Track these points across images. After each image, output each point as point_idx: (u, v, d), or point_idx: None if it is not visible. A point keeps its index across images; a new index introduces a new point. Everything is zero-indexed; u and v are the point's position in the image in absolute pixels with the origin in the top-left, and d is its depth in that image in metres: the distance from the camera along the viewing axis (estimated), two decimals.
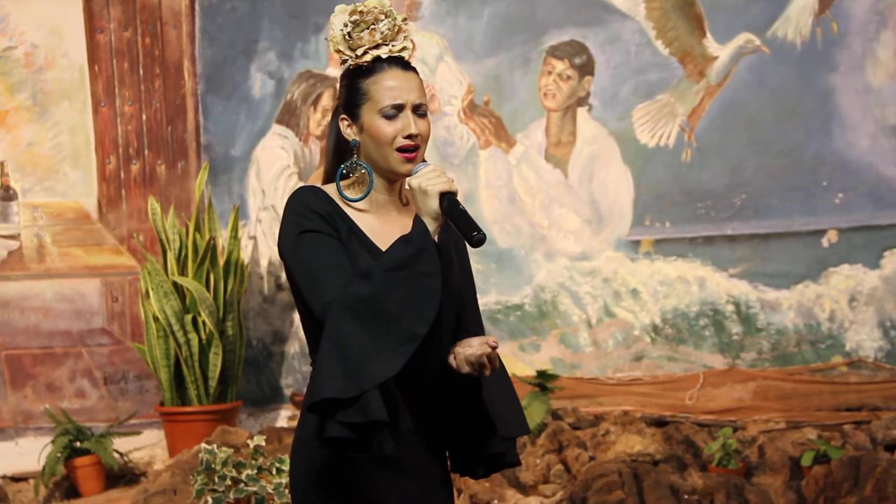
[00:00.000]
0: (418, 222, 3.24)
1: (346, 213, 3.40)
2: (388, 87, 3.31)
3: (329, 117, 7.92)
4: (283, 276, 8.77)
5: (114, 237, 8.82)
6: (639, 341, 8.13)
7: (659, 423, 7.28)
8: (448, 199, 3.18)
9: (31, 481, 8.05)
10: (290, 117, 8.84)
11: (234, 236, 8.45)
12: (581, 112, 8.28)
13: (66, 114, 8.75)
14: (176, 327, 8.08)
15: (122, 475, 8.10)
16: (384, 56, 3.34)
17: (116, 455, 8.00)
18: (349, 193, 3.42)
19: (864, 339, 7.62)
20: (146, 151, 8.91)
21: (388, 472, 3.29)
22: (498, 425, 3.27)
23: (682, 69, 7.98)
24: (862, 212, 7.63)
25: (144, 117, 8.89)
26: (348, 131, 3.39)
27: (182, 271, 8.22)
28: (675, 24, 8.01)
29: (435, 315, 3.19)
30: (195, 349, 8.15)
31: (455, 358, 3.21)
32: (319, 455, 3.26)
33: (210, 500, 6.50)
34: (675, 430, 7.09)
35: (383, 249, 3.37)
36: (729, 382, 7.64)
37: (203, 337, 8.17)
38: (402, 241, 3.25)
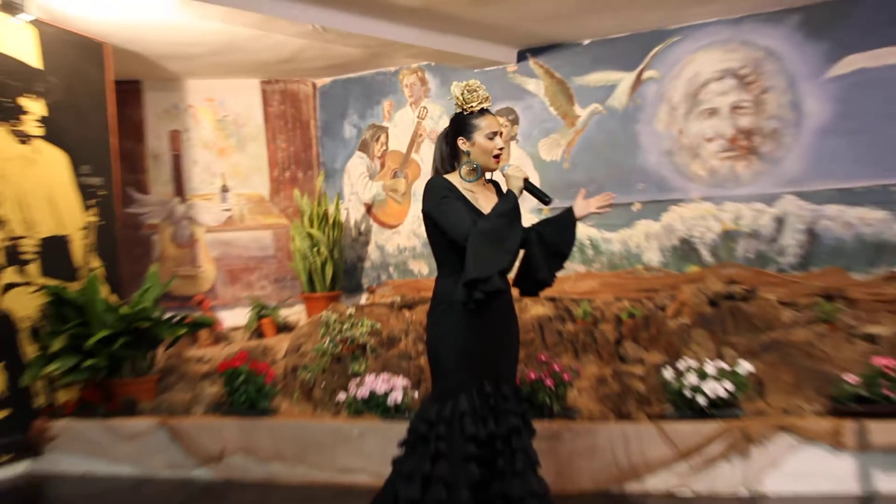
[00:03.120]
0: (510, 193, 4.18)
1: (457, 188, 4.21)
2: (490, 124, 4.25)
3: (383, 148, 9.64)
4: (364, 226, 10.09)
5: (277, 210, 10.07)
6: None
7: (552, 299, 7.76)
8: (526, 181, 4.21)
9: (241, 330, 9.38)
10: (364, 148, 10.09)
11: (337, 209, 9.69)
12: (513, 144, 9.18)
13: (254, 148, 10.11)
14: (309, 253, 9.35)
15: (285, 327, 9.29)
16: (486, 107, 4.33)
17: (281, 317, 9.35)
18: (468, 178, 4.30)
19: (652, 255, 8.74)
20: (293, 166, 10.16)
21: (488, 326, 4.26)
22: (539, 276, 4.37)
23: (563, 121, 9.09)
24: (651, 193, 8.72)
25: (292, 149, 10.21)
26: (464, 146, 4.29)
27: (311, 226, 9.45)
28: (558, 99, 9.10)
29: (520, 242, 4.13)
30: (318, 265, 9.41)
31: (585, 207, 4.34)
32: (454, 318, 4.23)
33: (328, 339, 7.42)
34: (560, 303, 7.76)
35: (478, 208, 4.19)
36: (587, 279, 8.60)
37: (322, 259, 9.41)
38: (503, 201, 4.13)
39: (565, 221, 4.38)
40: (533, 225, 4.43)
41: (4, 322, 7.11)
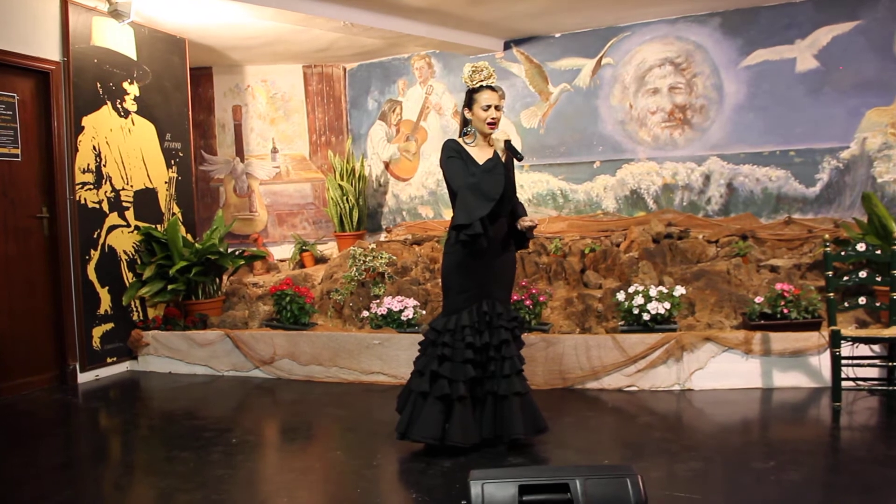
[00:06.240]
0: (495, 153, 4.07)
1: (465, 149, 4.16)
2: (486, 97, 4.15)
3: (398, 118, 9.46)
4: (383, 179, 9.80)
5: (315, 166, 9.75)
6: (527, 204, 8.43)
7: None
8: (507, 143, 4.12)
9: (287, 261, 9.17)
10: (383, 117, 9.81)
11: (362, 165, 9.51)
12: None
13: (297, 118, 9.78)
14: (340, 201, 9.18)
15: (321, 259, 9.12)
16: (485, 84, 4.18)
17: (319, 251, 9.22)
18: (468, 140, 4.22)
19: (609, 203, 8.48)
20: (327, 132, 9.82)
21: (485, 258, 4.18)
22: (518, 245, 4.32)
23: (539, 97, 8.85)
24: (608, 153, 8.53)
25: (326, 118, 9.84)
26: (467, 116, 4.21)
27: (342, 179, 9.29)
28: (536, 79, 8.85)
29: (501, 191, 4.00)
30: (347, 210, 9.22)
31: (520, 225, 4.24)
32: (457, 252, 4.13)
33: (354, 268, 7.32)
34: (537, 240, 7.55)
35: (480, 164, 4.12)
36: (558, 221, 8.34)
37: (350, 205, 9.23)
38: (489, 161, 4.03)
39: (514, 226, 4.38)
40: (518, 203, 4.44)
41: (109, 255, 7.14)
